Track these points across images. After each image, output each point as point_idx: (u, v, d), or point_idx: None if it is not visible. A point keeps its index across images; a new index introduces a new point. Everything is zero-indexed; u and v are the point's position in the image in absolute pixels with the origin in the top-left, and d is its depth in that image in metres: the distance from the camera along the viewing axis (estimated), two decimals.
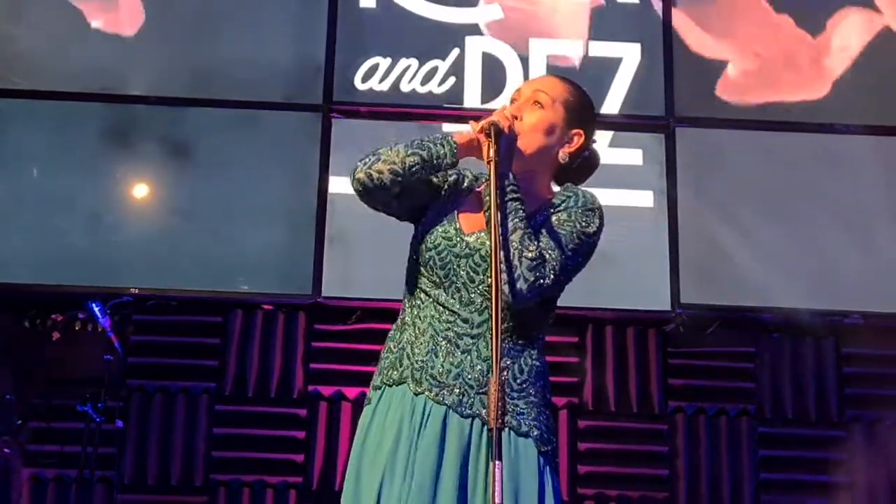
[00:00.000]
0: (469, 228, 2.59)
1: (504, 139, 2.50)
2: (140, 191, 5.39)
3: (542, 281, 2.47)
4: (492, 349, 2.24)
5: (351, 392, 5.25)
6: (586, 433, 5.38)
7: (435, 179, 2.67)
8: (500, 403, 2.19)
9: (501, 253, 2.43)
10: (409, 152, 2.52)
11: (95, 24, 5.53)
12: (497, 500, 2.12)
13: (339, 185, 5.27)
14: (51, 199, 5.31)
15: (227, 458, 5.29)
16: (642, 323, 5.47)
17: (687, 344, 5.45)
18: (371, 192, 2.56)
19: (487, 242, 2.50)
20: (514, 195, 2.51)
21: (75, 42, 5.51)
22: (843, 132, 5.53)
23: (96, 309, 4.94)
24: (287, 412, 5.35)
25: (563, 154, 2.68)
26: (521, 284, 2.45)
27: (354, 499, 2.48)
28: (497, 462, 2.14)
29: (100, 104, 5.45)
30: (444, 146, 2.54)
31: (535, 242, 2.49)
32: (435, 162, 2.54)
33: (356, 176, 2.55)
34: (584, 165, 2.77)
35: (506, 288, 2.44)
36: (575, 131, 2.69)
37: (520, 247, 2.47)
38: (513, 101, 2.69)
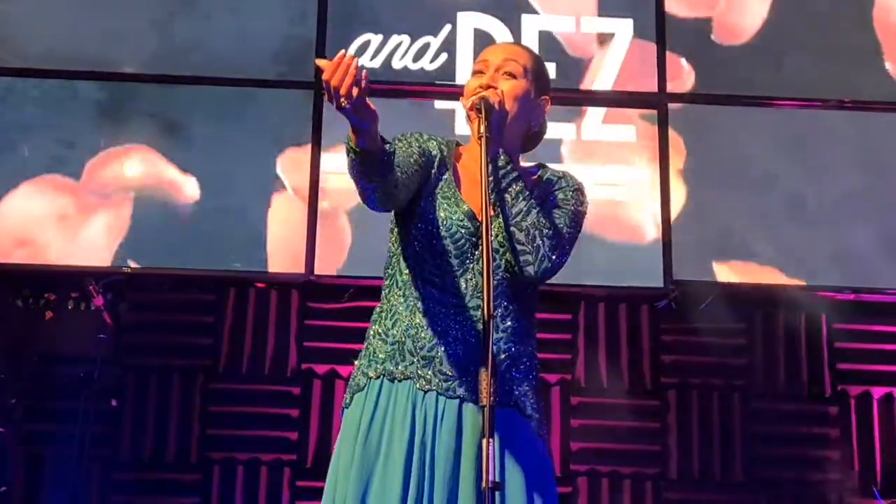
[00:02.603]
0: (478, 209, 2.54)
1: (495, 115, 2.49)
2: (131, 167, 5.37)
3: (562, 258, 2.52)
4: (483, 325, 2.22)
5: (344, 370, 5.26)
6: (578, 410, 5.40)
7: (421, 159, 2.59)
8: (493, 380, 2.17)
9: (520, 234, 2.47)
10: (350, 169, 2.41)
11: None
12: (490, 478, 2.11)
13: (332, 162, 5.27)
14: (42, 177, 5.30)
15: (222, 436, 5.30)
16: (635, 299, 5.48)
17: (679, 320, 5.46)
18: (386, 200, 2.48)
19: (501, 226, 2.51)
20: (515, 173, 2.53)
21: (66, 19, 5.48)
22: (836, 108, 5.53)
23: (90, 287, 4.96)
24: (281, 390, 5.36)
25: (535, 122, 2.71)
26: (546, 263, 2.48)
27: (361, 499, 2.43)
28: (490, 440, 2.12)
29: (91, 82, 5.43)
30: (347, 147, 2.37)
31: (550, 220, 2.51)
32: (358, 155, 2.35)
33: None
34: (540, 134, 2.79)
35: (530, 269, 2.48)
36: (543, 98, 2.71)
37: (539, 226, 2.48)
38: (477, 71, 2.66)
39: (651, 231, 5.32)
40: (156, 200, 5.32)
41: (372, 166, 2.36)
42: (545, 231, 2.48)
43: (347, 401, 2.57)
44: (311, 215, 5.25)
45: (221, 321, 5.42)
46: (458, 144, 2.74)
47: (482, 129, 2.42)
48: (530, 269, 2.48)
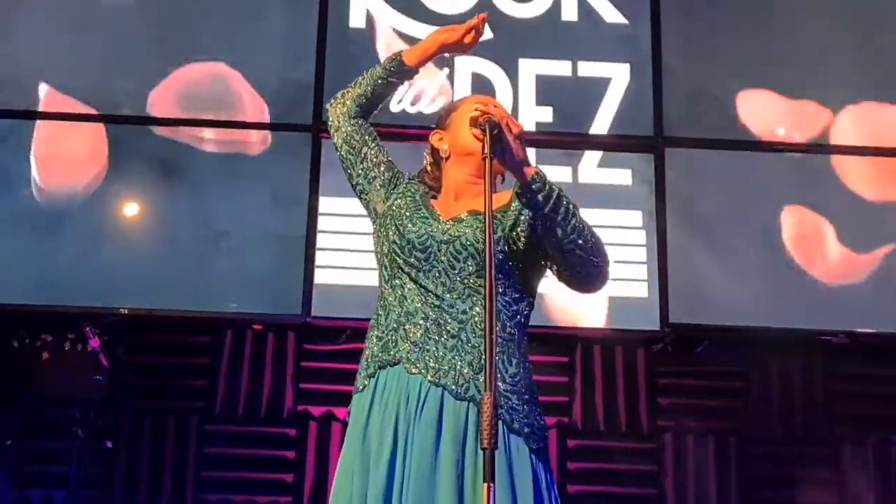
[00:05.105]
0: (447, 215, 2.69)
1: (501, 136, 2.49)
2: (130, 210, 5.39)
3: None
4: (485, 363, 2.22)
5: (340, 412, 5.25)
6: (575, 452, 5.39)
7: (388, 171, 2.82)
8: (493, 422, 2.17)
9: (587, 245, 2.55)
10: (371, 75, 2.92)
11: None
12: None
13: (329, 205, 5.29)
14: (40, 220, 5.31)
15: (217, 478, 5.29)
16: (631, 342, 5.49)
17: (675, 363, 5.47)
18: (336, 103, 2.91)
19: (468, 231, 2.60)
20: (555, 192, 2.53)
21: (67, 62, 5.51)
22: (832, 152, 5.56)
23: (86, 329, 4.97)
24: (277, 432, 5.35)
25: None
26: (608, 267, 2.62)
27: (360, 484, 2.50)
28: (490, 484, 2.12)
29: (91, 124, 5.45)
30: (392, 61, 2.91)
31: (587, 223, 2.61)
32: (392, 70, 2.90)
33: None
34: None
35: (604, 275, 2.63)
36: None
37: (593, 232, 2.59)
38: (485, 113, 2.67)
39: (647, 274, 5.33)
40: (152, 242, 5.33)
41: (389, 85, 2.92)
42: (596, 235, 2.59)
43: (351, 405, 2.65)
44: (308, 257, 5.26)
45: (217, 363, 5.42)
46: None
47: (486, 149, 2.43)
48: (604, 276, 2.63)
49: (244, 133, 5.44)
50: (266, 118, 5.46)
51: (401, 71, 2.90)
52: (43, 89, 5.45)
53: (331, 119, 2.90)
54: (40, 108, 5.44)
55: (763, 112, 5.61)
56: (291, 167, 5.39)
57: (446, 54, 3.00)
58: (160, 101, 5.45)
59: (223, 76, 5.50)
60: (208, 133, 5.44)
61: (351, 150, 2.83)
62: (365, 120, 2.89)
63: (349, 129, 2.85)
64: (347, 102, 2.88)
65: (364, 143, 2.84)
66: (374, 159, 2.82)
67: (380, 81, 2.88)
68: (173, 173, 5.39)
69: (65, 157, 5.41)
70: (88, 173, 5.37)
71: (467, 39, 2.91)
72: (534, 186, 2.50)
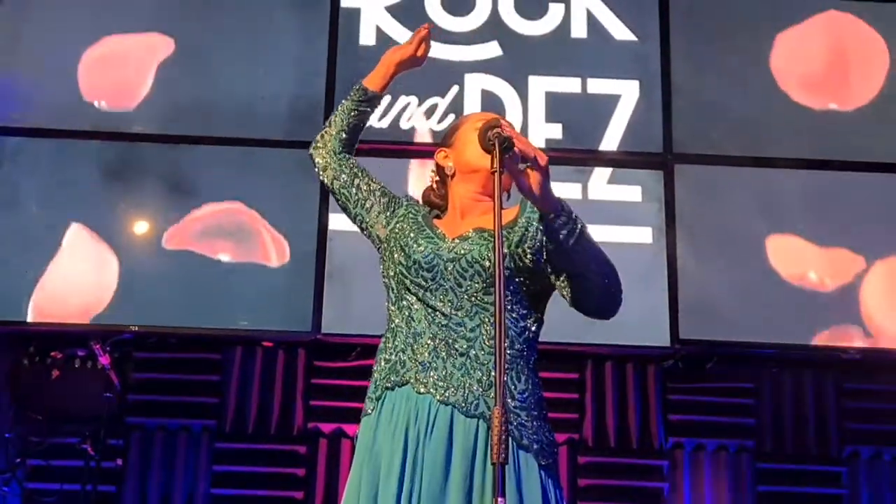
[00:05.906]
0: (452, 233, 2.70)
1: (513, 155, 2.42)
2: (140, 228, 5.39)
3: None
4: (495, 377, 2.22)
5: (351, 429, 5.25)
6: (586, 469, 5.37)
7: (384, 196, 2.85)
8: (503, 437, 2.16)
9: (598, 267, 2.56)
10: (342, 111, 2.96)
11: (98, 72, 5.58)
12: None
13: (339, 221, 5.28)
14: (50, 237, 5.31)
15: (227, 496, 5.27)
16: (642, 359, 5.47)
17: (686, 380, 5.46)
18: (318, 145, 2.95)
19: (474, 249, 2.61)
20: (564, 217, 2.49)
21: (75, 79, 5.53)
22: (840, 169, 5.54)
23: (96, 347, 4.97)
24: (287, 449, 5.34)
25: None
26: (622, 295, 2.62)
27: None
28: (500, 499, 2.12)
29: (100, 142, 5.47)
30: (356, 92, 2.97)
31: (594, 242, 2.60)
32: (361, 100, 2.96)
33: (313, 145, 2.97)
34: None
35: (618, 297, 2.62)
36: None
37: (604, 253, 2.58)
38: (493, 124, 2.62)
39: (657, 291, 5.31)
40: (162, 259, 5.33)
41: (361, 114, 2.95)
42: (611, 262, 2.59)
43: (359, 427, 2.65)
44: (318, 274, 5.26)
45: (228, 380, 5.42)
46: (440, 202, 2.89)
47: (496, 163, 2.39)
48: (617, 302, 2.62)
49: (263, 252, 5.41)
50: (287, 256, 5.38)
51: (367, 98, 2.96)
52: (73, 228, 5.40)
53: (317, 161, 2.94)
54: (64, 244, 5.36)
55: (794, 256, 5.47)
56: (302, 184, 5.39)
57: (404, 71, 3.06)
58: (177, 237, 5.41)
59: (240, 215, 5.44)
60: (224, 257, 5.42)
61: (343, 185, 2.87)
62: (349, 154, 2.93)
63: (336, 165, 2.89)
64: (329, 142, 2.93)
65: (354, 174, 2.87)
66: (367, 188, 2.85)
67: (352, 113, 2.94)
68: (183, 190, 5.40)
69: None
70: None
71: (419, 53, 3.01)
72: (559, 221, 2.47)
